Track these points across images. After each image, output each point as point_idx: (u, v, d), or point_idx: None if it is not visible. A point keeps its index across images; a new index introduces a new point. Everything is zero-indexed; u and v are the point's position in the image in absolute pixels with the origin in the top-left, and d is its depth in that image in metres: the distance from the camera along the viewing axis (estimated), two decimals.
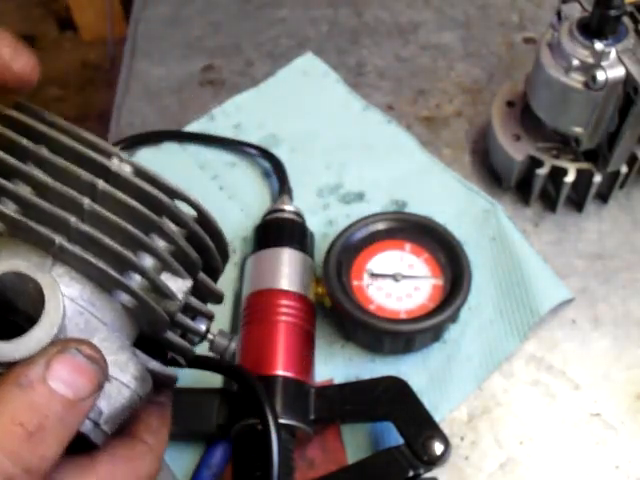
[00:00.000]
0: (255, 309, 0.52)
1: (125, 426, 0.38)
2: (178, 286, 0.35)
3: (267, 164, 0.64)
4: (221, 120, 0.68)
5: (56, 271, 0.33)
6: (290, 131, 0.66)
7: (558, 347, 0.55)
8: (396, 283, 0.55)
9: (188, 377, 0.52)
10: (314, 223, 0.59)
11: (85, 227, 0.33)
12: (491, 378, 0.54)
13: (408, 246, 0.56)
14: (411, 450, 0.46)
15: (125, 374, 0.34)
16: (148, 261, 0.35)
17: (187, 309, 0.38)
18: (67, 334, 0.32)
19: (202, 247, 0.37)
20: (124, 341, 0.35)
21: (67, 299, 0.33)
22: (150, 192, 0.35)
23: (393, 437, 0.48)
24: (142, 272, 0.34)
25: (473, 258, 0.55)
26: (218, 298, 0.40)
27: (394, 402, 0.48)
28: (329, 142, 0.66)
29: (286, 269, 0.53)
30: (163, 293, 0.35)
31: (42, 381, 0.30)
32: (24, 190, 0.33)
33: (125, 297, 0.34)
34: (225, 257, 0.40)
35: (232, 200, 0.63)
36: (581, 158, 0.58)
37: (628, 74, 0.51)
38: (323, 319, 0.55)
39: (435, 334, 0.54)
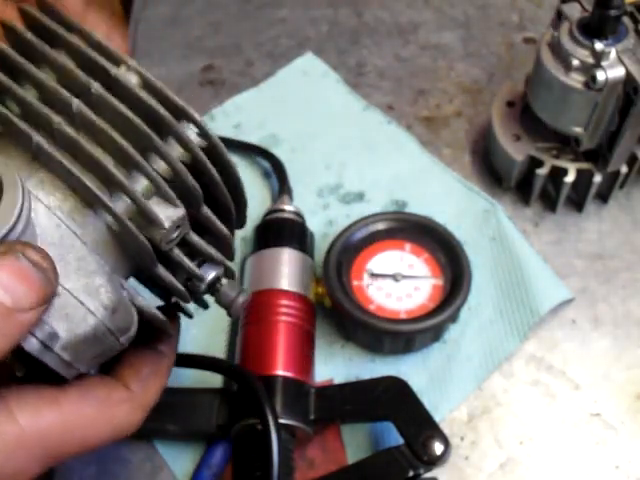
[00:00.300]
0: (255, 309, 0.52)
1: (108, 367, 0.35)
2: (167, 214, 0.32)
3: (267, 164, 0.64)
4: (221, 120, 0.68)
5: (38, 176, 0.31)
6: (290, 131, 0.66)
7: (558, 347, 0.55)
8: (396, 283, 0.55)
9: (188, 377, 0.52)
10: (314, 223, 0.59)
11: (68, 130, 0.30)
12: (491, 378, 0.54)
13: (408, 246, 0.56)
14: (411, 450, 0.46)
15: (93, 300, 0.31)
16: (141, 183, 0.32)
17: (192, 250, 0.35)
18: (36, 242, 0.30)
19: (206, 178, 0.33)
20: (103, 266, 0.31)
21: (43, 207, 0.30)
22: (150, 104, 0.31)
23: (393, 437, 0.48)
24: (127, 192, 0.31)
25: (473, 258, 0.55)
26: (224, 240, 0.36)
27: (394, 402, 0.48)
28: (329, 142, 0.66)
29: (286, 269, 0.53)
30: (149, 219, 0.32)
31: None
32: (16, 86, 0.31)
33: (109, 218, 0.31)
34: (240, 200, 0.36)
35: None
36: (581, 158, 0.58)
37: (628, 74, 0.51)
38: (323, 319, 0.55)
39: (435, 334, 0.54)
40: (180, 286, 0.35)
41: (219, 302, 0.38)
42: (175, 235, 0.33)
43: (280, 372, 0.49)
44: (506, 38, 0.73)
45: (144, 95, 0.31)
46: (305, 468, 0.50)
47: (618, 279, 0.58)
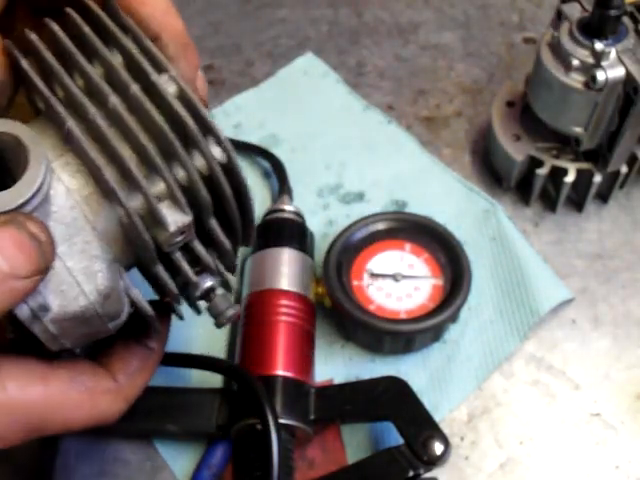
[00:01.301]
0: (255, 309, 0.52)
1: (97, 352, 0.37)
2: (175, 218, 0.34)
3: (267, 164, 0.64)
4: (221, 120, 0.68)
5: (66, 159, 0.33)
6: (290, 131, 0.66)
7: (558, 347, 0.55)
8: (396, 283, 0.55)
9: (188, 377, 0.52)
10: (314, 223, 0.59)
11: (100, 122, 0.32)
12: (491, 378, 0.54)
13: (408, 246, 0.56)
14: (411, 450, 0.46)
15: (89, 283, 0.32)
16: (158, 186, 0.33)
17: (196, 260, 0.36)
18: (46, 219, 0.31)
19: (219, 193, 0.35)
20: (107, 254, 0.33)
21: (63, 188, 0.32)
22: (180, 115, 0.33)
23: (393, 437, 0.48)
24: (142, 192, 0.33)
25: (473, 258, 0.55)
26: (225, 254, 0.38)
27: (394, 402, 0.48)
28: (329, 142, 0.66)
29: (286, 269, 0.53)
30: (156, 219, 0.33)
31: None
32: (59, 69, 0.33)
33: (122, 211, 0.33)
34: (248, 219, 0.37)
35: None
36: (581, 158, 0.58)
37: (628, 74, 0.51)
38: (323, 319, 0.55)
39: (435, 334, 0.54)
40: (174, 287, 0.37)
41: (209, 310, 0.39)
42: (178, 239, 0.34)
43: (280, 372, 0.49)
44: (506, 38, 0.73)
45: (177, 105, 0.33)
46: (305, 468, 0.50)
47: (618, 279, 0.58)
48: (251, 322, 0.52)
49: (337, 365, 0.54)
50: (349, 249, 0.55)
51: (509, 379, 0.54)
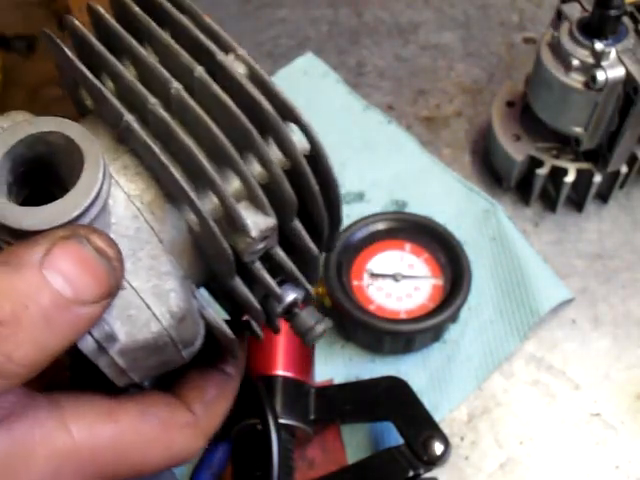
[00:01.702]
0: None
1: (168, 383, 0.32)
2: (256, 221, 0.28)
3: None
4: None
5: (123, 161, 0.28)
6: None
7: (558, 347, 0.55)
8: (396, 283, 0.55)
9: None
10: None
11: (162, 113, 0.27)
12: (491, 378, 0.54)
13: (408, 246, 0.56)
14: (411, 450, 0.46)
15: (161, 305, 0.27)
16: (232, 184, 0.28)
17: (273, 266, 0.31)
18: (108, 232, 0.27)
19: (303, 189, 0.30)
20: (177, 269, 0.28)
21: (123, 195, 0.27)
22: (255, 98, 0.28)
23: (393, 437, 0.48)
24: (216, 191, 0.27)
25: (473, 258, 0.55)
26: (311, 260, 0.32)
27: (394, 402, 0.48)
28: (329, 142, 0.65)
29: None
30: (236, 225, 0.28)
31: (35, 267, 0.24)
32: (110, 58, 0.29)
33: (192, 217, 0.28)
34: (335, 217, 0.32)
35: None
36: (581, 158, 0.58)
37: (628, 74, 0.51)
38: None
39: (435, 334, 0.54)
40: (257, 303, 0.31)
41: (294, 327, 0.34)
42: (261, 247, 0.29)
43: (280, 372, 0.49)
44: (506, 38, 0.73)
45: (250, 87, 0.28)
46: (305, 468, 0.50)
47: (618, 279, 0.58)
48: None
49: (337, 365, 0.54)
50: (349, 249, 0.55)
51: (509, 379, 0.54)
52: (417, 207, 0.61)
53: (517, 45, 0.73)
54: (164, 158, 0.27)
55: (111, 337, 0.27)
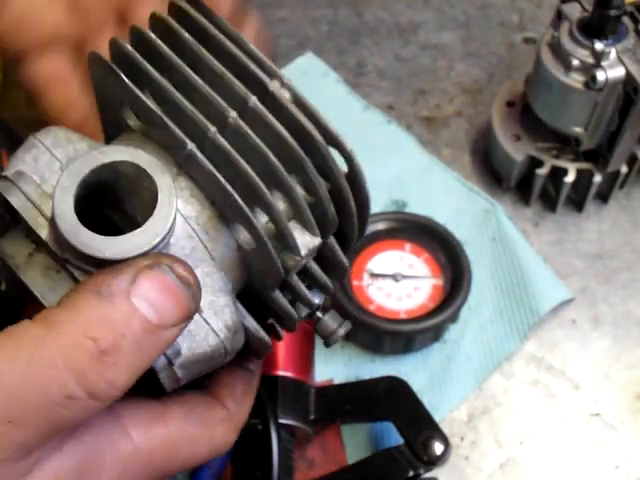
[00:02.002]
0: None
1: (201, 383, 0.34)
2: (305, 241, 0.30)
3: None
4: None
5: (178, 184, 0.29)
6: None
7: (558, 347, 0.55)
8: (396, 283, 0.55)
9: None
10: None
11: (223, 141, 0.29)
12: (491, 378, 0.54)
13: (408, 246, 0.56)
14: (411, 450, 0.46)
15: (218, 320, 0.29)
16: (280, 205, 0.30)
17: (305, 274, 0.33)
18: (168, 252, 0.28)
19: (342, 210, 0.32)
20: (227, 284, 0.30)
21: (180, 216, 0.29)
22: (306, 127, 0.30)
23: (393, 437, 0.48)
24: (271, 212, 0.29)
25: (473, 258, 0.55)
26: (342, 271, 0.34)
27: (394, 402, 0.48)
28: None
29: None
30: (286, 243, 0.30)
31: (125, 295, 0.26)
32: (167, 85, 0.30)
33: (244, 235, 0.30)
34: (362, 231, 0.34)
35: None
36: (581, 158, 0.58)
37: (628, 74, 0.51)
38: None
39: (435, 334, 0.54)
40: (294, 312, 0.33)
41: (318, 330, 0.36)
42: (304, 262, 0.31)
43: (280, 372, 0.49)
44: (506, 38, 0.73)
45: (302, 117, 0.30)
46: (305, 468, 0.50)
47: (618, 279, 0.58)
48: None
49: (337, 365, 0.54)
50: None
51: (509, 379, 0.54)
52: (417, 207, 0.61)
53: (517, 45, 0.72)
54: (228, 186, 0.28)
55: (178, 352, 0.29)
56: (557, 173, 0.58)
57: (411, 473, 0.46)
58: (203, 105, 0.29)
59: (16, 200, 0.29)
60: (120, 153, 0.28)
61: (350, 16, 0.76)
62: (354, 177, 0.32)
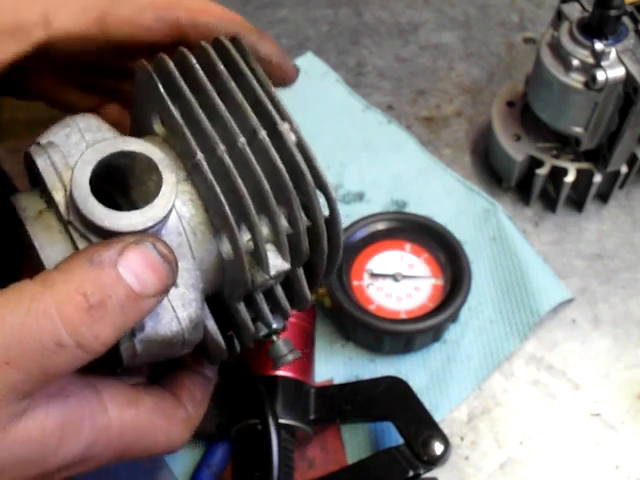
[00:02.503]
0: None
1: (161, 378, 0.38)
2: (275, 263, 0.34)
3: None
4: None
5: (182, 186, 0.34)
6: None
7: (558, 347, 0.55)
8: (396, 283, 0.55)
9: None
10: None
11: (227, 159, 0.33)
12: (491, 378, 0.54)
13: (408, 246, 0.56)
14: (411, 450, 0.46)
15: (184, 310, 0.33)
16: (265, 229, 0.34)
17: (270, 297, 0.37)
18: None
19: (316, 247, 0.36)
20: (200, 283, 0.34)
21: (175, 213, 0.33)
22: (301, 167, 0.34)
23: (393, 437, 0.48)
24: (253, 230, 0.33)
25: (473, 258, 0.55)
26: (304, 303, 0.38)
27: (394, 402, 0.48)
28: (329, 142, 0.66)
29: None
30: (260, 261, 0.34)
31: (113, 264, 0.30)
32: (195, 103, 0.34)
33: (226, 247, 0.34)
34: (330, 270, 0.38)
35: None
36: (581, 158, 0.58)
37: (628, 74, 0.51)
38: (323, 319, 0.55)
39: (435, 334, 0.54)
40: (250, 323, 0.37)
41: (270, 351, 0.40)
42: (272, 282, 0.35)
43: (280, 372, 0.49)
44: (506, 38, 0.73)
45: (300, 160, 0.34)
46: (305, 468, 0.50)
47: (618, 279, 0.58)
48: None
49: (337, 365, 0.54)
50: (349, 249, 0.55)
51: (509, 379, 0.54)
52: (417, 207, 0.61)
53: (517, 45, 0.73)
54: (222, 198, 0.33)
55: (141, 326, 0.32)
56: (557, 173, 0.58)
57: (411, 473, 0.46)
58: (220, 127, 0.34)
59: (42, 163, 0.33)
60: (140, 146, 0.33)
61: (350, 16, 0.76)
62: (332, 221, 0.36)
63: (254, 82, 0.36)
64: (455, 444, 0.51)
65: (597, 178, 0.58)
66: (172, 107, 0.34)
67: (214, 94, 0.35)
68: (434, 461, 0.46)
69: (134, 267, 0.30)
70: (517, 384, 0.54)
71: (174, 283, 0.32)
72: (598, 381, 0.54)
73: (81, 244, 0.32)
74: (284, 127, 0.35)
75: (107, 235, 0.31)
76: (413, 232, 0.56)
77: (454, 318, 0.54)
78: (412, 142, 0.66)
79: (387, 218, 0.57)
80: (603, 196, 0.62)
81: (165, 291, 0.31)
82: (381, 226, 0.56)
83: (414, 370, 0.54)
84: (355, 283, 0.54)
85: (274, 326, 0.38)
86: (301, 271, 0.37)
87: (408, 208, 0.61)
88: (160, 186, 0.32)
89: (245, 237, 0.34)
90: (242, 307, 0.36)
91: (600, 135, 0.55)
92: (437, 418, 0.48)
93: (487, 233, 0.59)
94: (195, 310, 0.33)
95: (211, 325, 0.35)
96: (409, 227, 0.56)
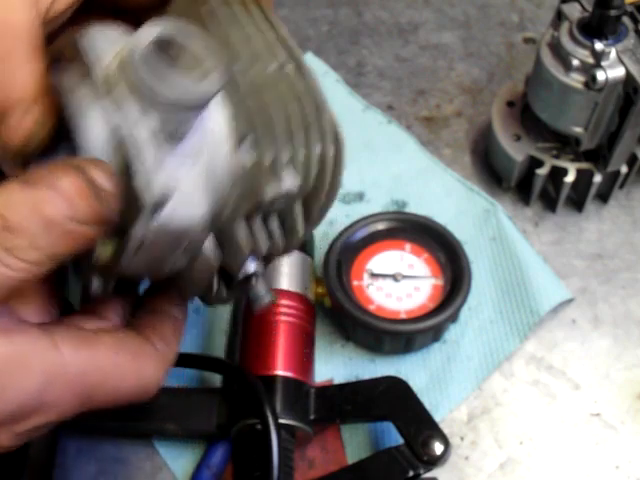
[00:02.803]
0: None
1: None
2: (289, 180, 0.35)
3: None
4: None
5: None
6: None
7: (558, 347, 0.55)
8: (396, 283, 0.55)
9: (188, 377, 0.52)
10: None
11: (265, 76, 0.37)
12: (491, 378, 0.54)
13: (408, 246, 0.56)
14: (411, 450, 0.46)
15: (199, 209, 0.33)
16: (284, 148, 0.35)
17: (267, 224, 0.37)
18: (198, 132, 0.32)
19: (319, 180, 0.36)
20: (212, 193, 0.34)
21: (219, 120, 0.34)
22: (319, 102, 0.38)
23: (393, 437, 0.48)
24: (277, 146, 0.34)
25: (473, 258, 0.55)
26: (295, 240, 0.38)
27: (394, 402, 0.48)
28: None
29: (286, 269, 0.53)
30: (276, 174, 0.35)
31: (46, 186, 0.29)
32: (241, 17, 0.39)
33: (245, 155, 0.34)
34: (322, 215, 0.38)
35: None
36: (581, 158, 0.58)
37: (628, 74, 0.51)
38: (323, 319, 0.55)
39: (435, 334, 0.54)
40: (247, 246, 0.36)
41: (249, 292, 0.39)
42: (282, 202, 0.35)
43: (280, 372, 0.49)
44: (506, 38, 0.73)
45: (319, 94, 0.38)
46: (305, 468, 0.50)
47: (618, 279, 0.58)
48: (251, 322, 0.51)
49: (337, 365, 0.54)
50: (349, 249, 0.55)
51: (509, 379, 0.54)
52: (417, 207, 0.61)
53: (517, 45, 0.73)
54: (253, 108, 0.35)
55: (166, 197, 0.31)
56: (557, 173, 0.58)
57: (411, 473, 0.46)
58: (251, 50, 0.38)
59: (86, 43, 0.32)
60: (197, 39, 0.32)
61: (350, 16, 0.76)
62: (336, 158, 0.38)
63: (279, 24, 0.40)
64: (455, 444, 0.51)
65: (597, 178, 0.58)
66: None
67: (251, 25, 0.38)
68: (434, 461, 0.46)
69: (66, 191, 0.30)
70: (517, 384, 0.54)
71: (112, 214, 0.31)
72: (598, 381, 0.54)
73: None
74: (306, 66, 0.38)
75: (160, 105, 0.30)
76: (413, 232, 0.56)
77: (454, 318, 0.54)
78: (412, 142, 0.66)
79: (387, 218, 0.57)
80: (603, 196, 0.62)
81: (101, 221, 0.31)
82: (381, 226, 0.56)
83: (414, 370, 0.54)
84: (355, 283, 0.54)
85: (256, 268, 0.38)
86: (299, 206, 0.37)
87: (408, 208, 0.61)
88: (209, 73, 0.31)
89: (266, 151, 0.34)
90: (243, 225, 0.35)
91: (600, 135, 0.55)
92: (437, 418, 0.48)
93: (487, 233, 0.59)
94: (209, 210, 0.33)
95: (209, 239, 0.35)
96: (409, 227, 0.56)
